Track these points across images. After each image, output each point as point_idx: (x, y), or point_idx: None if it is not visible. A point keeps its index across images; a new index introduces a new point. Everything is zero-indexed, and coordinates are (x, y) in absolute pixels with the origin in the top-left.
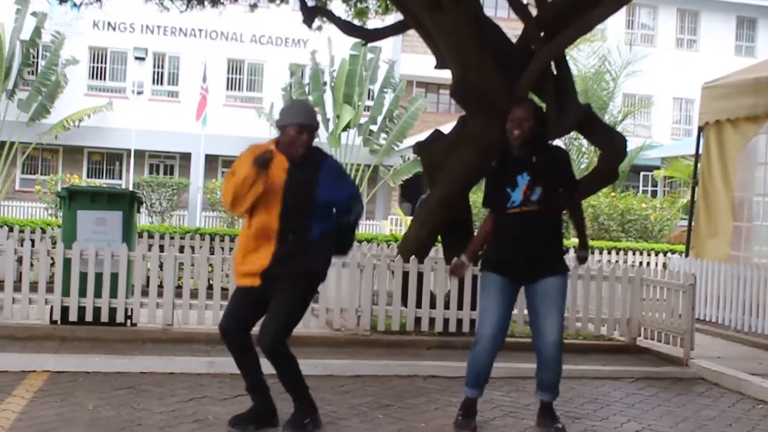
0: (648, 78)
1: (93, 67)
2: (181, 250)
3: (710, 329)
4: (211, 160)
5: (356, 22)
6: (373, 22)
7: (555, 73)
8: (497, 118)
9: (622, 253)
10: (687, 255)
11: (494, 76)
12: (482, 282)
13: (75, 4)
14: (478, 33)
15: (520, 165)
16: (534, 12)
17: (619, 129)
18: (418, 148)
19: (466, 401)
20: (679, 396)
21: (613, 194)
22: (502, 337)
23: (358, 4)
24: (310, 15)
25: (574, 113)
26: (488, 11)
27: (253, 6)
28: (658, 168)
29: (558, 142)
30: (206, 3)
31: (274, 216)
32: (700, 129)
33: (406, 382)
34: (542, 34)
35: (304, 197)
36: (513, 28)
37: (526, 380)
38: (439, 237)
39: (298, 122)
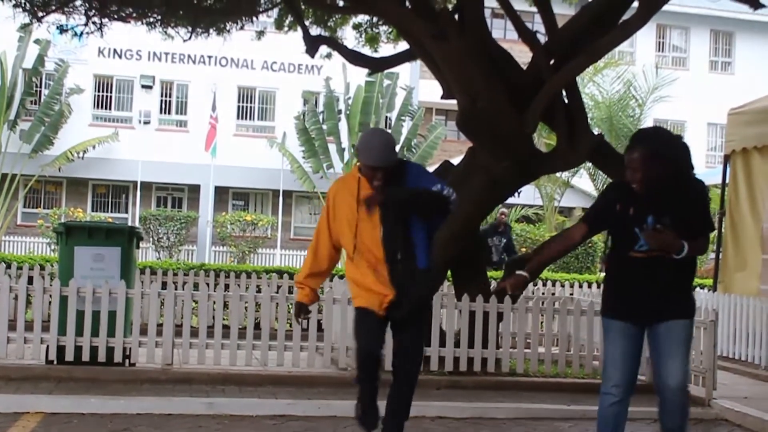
0: (680, 102)
1: (98, 96)
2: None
3: (738, 368)
4: (221, 192)
5: (367, 48)
6: (386, 48)
7: (566, 101)
8: (506, 149)
9: None
10: (715, 289)
11: (502, 106)
12: (605, 328)
13: (76, 33)
14: (485, 61)
15: (649, 204)
16: (543, 39)
17: None
18: None
19: None
20: None
21: None
22: (632, 387)
23: (369, 31)
24: (312, 44)
25: (585, 143)
26: (497, 33)
27: (260, 33)
28: None
29: (581, 171)
30: (211, 31)
31: (377, 243)
32: (727, 157)
33: (412, 423)
34: (552, 61)
35: (399, 215)
36: (524, 52)
37: (537, 421)
38: (449, 272)
39: (370, 165)
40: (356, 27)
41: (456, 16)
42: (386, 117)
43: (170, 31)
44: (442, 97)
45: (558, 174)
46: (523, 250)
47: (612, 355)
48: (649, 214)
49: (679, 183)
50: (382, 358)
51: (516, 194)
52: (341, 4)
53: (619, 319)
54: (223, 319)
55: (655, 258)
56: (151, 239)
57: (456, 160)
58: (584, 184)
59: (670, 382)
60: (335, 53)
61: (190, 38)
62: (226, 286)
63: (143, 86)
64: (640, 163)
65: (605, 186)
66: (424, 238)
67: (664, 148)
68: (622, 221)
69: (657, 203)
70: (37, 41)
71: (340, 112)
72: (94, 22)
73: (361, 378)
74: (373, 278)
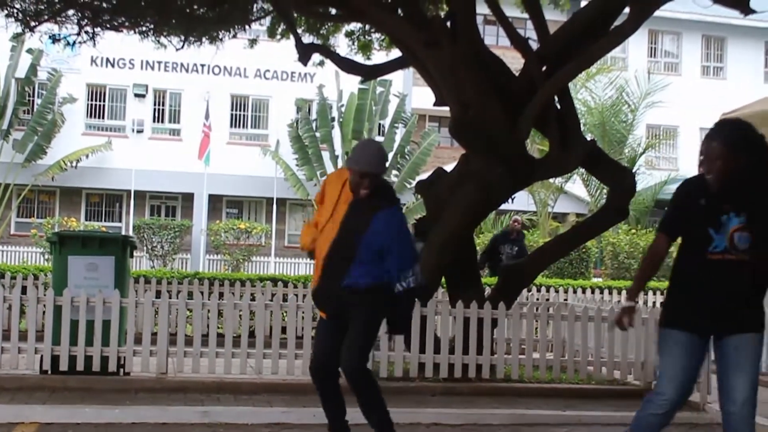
0: (673, 108)
1: (91, 104)
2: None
3: None
4: (214, 201)
5: (360, 56)
6: (379, 56)
7: (559, 107)
8: (499, 156)
9: (642, 293)
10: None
11: (494, 113)
12: (663, 338)
13: (69, 43)
14: (477, 69)
15: (726, 202)
16: (535, 45)
17: (640, 162)
18: (421, 186)
19: None
20: None
21: (633, 231)
22: (683, 402)
23: (362, 39)
24: (305, 52)
25: (578, 149)
26: (489, 40)
27: (253, 41)
28: None
29: (575, 177)
30: (204, 40)
31: (327, 244)
32: None
33: (408, 430)
34: (544, 68)
35: (352, 235)
36: (516, 58)
37: (533, 427)
38: (443, 278)
39: (360, 170)
40: (349, 35)
41: (448, 24)
42: (379, 124)
43: (163, 40)
44: (435, 104)
45: (551, 180)
46: None
47: (671, 369)
48: (723, 211)
49: (758, 180)
50: (336, 371)
51: (510, 201)
52: (333, 12)
53: (685, 329)
54: (218, 327)
55: (733, 262)
56: (145, 248)
57: (449, 167)
58: (578, 189)
59: (737, 396)
60: (328, 61)
61: (182, 47)
62: (221, 295)
63: (136, 95)
64: (718, 154)
65: (679, 186)
66: (373, 263)
67: (745, 141)
68: (698, 219)
69: (732, 200)
70: (29, 51)
71: (333, 119)
72: (86, 32)
73: (317, 388)
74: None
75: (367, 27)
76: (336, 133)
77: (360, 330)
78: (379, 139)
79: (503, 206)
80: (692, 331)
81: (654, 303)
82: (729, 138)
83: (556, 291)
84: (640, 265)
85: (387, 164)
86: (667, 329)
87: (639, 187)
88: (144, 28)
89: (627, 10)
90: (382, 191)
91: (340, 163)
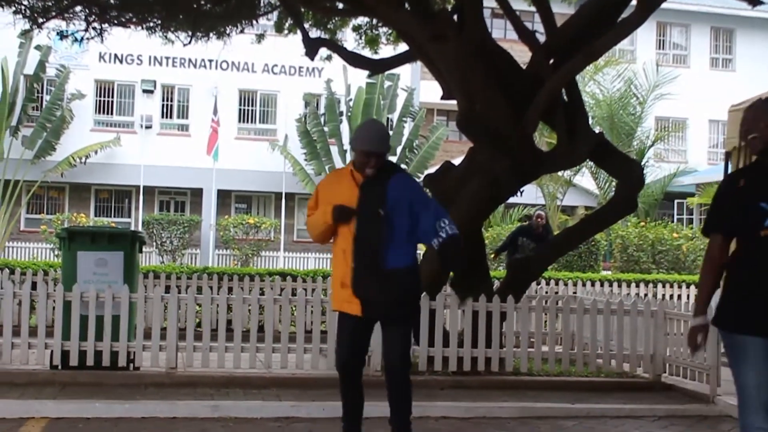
0: (682, 100)
1: (99, 101)
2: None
3: None
4: (223, 196)
5: (367, 50)
6: (386, 50)
7: (566, 100)
8: (506, 149)
9: (651, 285)
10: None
11: (501, 107)
12: (731, 348)
13: (77, 39)
14: (484, 62)
15: None
16: (543, 38)
17: (649, 154)
18: (428, 180)
19: None
20: None
21: (642, 224)
22: None
23: (369, 33)
24: (312, 47)
25: (586, 141)
26: (497, 33)
27: (260, 36)
28: (692, 195)
29: (583, 170)
30: (211, 35)
31: (349, 235)
32: (728, 154)
33: (416, 423)
34: (551, 61)
35: (375, 211)
36: (524, 51)
37: (541, 420)
38: (451, 272)
39: (365, 149)
40: (356, 29)
41: (455, 17)
42: (387, 118)
43: (170, 35)
44: (443, 98)
45: (560, 173)
46: None
47: (749, 386)
48: None
49: None
50: (363, 364)
51: (518, 194)
52: (340, 6)
53: (752, 334)
54: (227, 322)
55: None
56: (154, 243)
57: (457, 161)
58: (586, 182)
59: None
60: (335, 55)
61: (190, 42)
62: (230, 289)
63: (144, 91)
64: (762, 113)
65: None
66: (403, 239)
67: None
68: (743, 199)
69: None
70: (38, 47)
71: (341, 114)
72: (94, 28)
73: (342, 385)
74: (342, 266)
75: (375, 21)
76: (344, 128)
77: (406, 329)
78: None
79: (512, 199)
80: (763, 333)
81: (663, 296)
82: None
83: (565, 284)
84: (699, 279)
85: (389, 143)
86: (738, 336)
87: (648, 179)
88: (151, 24)
89: (634, 1)
90: (389, 167)
91: (348, 158)
